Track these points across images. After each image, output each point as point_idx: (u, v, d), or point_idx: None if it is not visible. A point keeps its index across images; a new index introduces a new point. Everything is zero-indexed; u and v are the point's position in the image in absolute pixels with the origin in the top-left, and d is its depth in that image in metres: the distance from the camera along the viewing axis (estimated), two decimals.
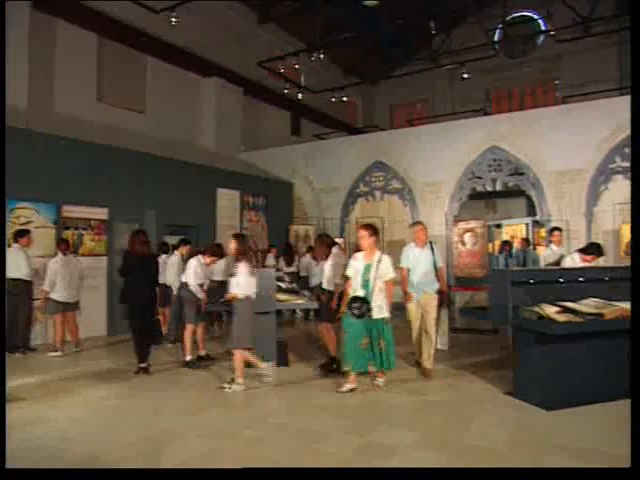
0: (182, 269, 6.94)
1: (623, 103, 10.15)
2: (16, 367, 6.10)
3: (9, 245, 7.02)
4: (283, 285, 7.00)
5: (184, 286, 6.43)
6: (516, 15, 17.34)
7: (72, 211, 8.21)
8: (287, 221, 13.04)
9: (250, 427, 4.14)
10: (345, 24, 15.19)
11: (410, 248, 5.87)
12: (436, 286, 5.75)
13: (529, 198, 11.25)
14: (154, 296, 6.16)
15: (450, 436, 3.94)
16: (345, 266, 5.37)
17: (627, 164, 9.77)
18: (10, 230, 7.19)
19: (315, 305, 6.36)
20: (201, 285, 6.43)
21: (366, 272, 5.03)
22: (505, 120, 11.29)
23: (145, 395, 5.12)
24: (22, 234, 7.09)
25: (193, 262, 6.46)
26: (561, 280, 4.82)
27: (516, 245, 10.42)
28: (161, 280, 6.71)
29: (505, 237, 11.02)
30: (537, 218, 10.72)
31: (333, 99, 15.64)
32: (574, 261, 5.80)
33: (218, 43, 13.54)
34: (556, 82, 16.98)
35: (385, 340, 5.02)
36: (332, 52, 16.02)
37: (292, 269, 10.89)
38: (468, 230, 8.79)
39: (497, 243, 11.44)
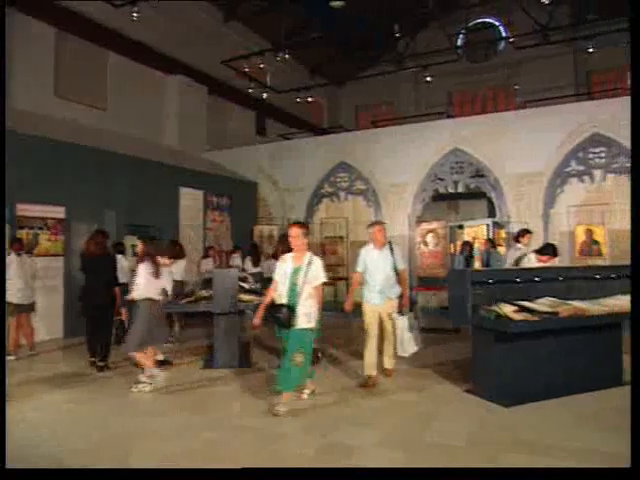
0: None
1: (579, 109, 10.54)
2: None
3: None
4: (246, 285, 6.95)
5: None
6: (478, 21, 17.76)
7: (27, 210, 7.93)
8: (251, 221, 12.95)
9: (210, 429, 4.09)
10: (311, 24, 15.22)
11: (367, 250, 5.45)
12: (397, 290, 5.41)
13: (490, 200, 11.52)
14: (111, 296, 6.18)
15: (411, 435, 3.99)
16: None
17: (582, 168, 10.13)
18: None
19: None
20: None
21: (294, 276, 4.49)
22: (467, 123, 11.54)
23: (101, 399, 5.00)
24: None
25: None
26: (518, 280, 4.95)
27: (479, 246, 10.66)
28: (122, 280, 6.59)
29: (466, 238, 11.24)
30: (497, 219, 10.98)
31: (298, 99, 15.65)
32: (531, 261, 5.96)
33: (183, 41, 13.34)
34: (516, 87, 17.46)
35: (305, 354, 4.47)
36: (298, 52, 16.04)
37: (258, 269, 10.83)
38: (430, 231, 8.93)
39: (459, 244, 11.65)
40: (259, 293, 6.73)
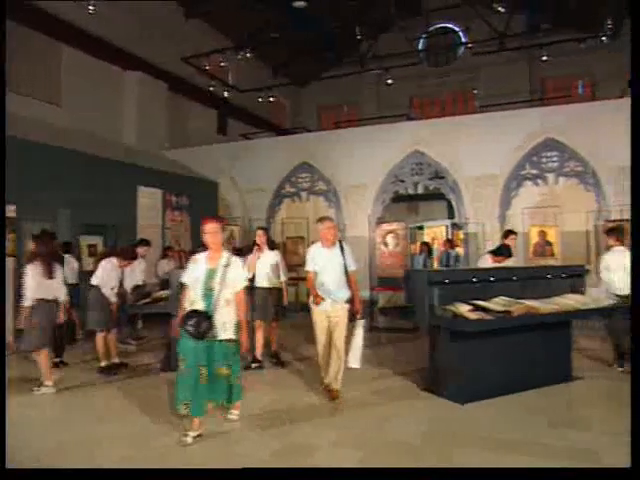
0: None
1: (533, 114, 10.89)
2: None
3: None
4: None
5: (93, 289, 6.11)
6: (439, 26, 18.11)
7: None
8: None
9: (164, 433, 4.02)
10: (274, 24, 15.14)
11: (316, 248, 5.01)
12: (347, 294, 4.88)
13: (449, 201, 11.76)
14: None
15: (368, 433, 4.02)
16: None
17: (535, 171, 10.48)
18: None
19: None
20: (112, 288, 6.16)
21: (209, 279, 3.87)
22: (427, 126, 11.74)
23: (54, 404, 4.84)
24: None
25: (106, 264, 6.16)
26: (475, 280, 5.07)
27: (438, 247, 10.88)
28: (72, 281, 6.45)
29: (426, 239, 11.44)
30: (456, 220, 11.22)
31: (260, 99, 15.57)
32: (485, 262, 6.12)
33: (142, 37, 13.04)
34: (475, 92, 17.89)
35: (232, 369, 3.96)
36: (261, 51, 15.93)
37: None
38: (390, 232, 9.04)
39: (418, 244, 11.86)
40: None
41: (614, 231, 5.97)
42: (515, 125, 10.53)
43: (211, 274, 3.89)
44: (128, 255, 6.45)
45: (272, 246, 6.47)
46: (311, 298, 4.94)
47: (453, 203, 11.21)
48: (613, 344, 5.85)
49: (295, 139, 13.63)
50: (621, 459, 3.39)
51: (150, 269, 9.14)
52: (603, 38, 12.43)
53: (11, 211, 8.09)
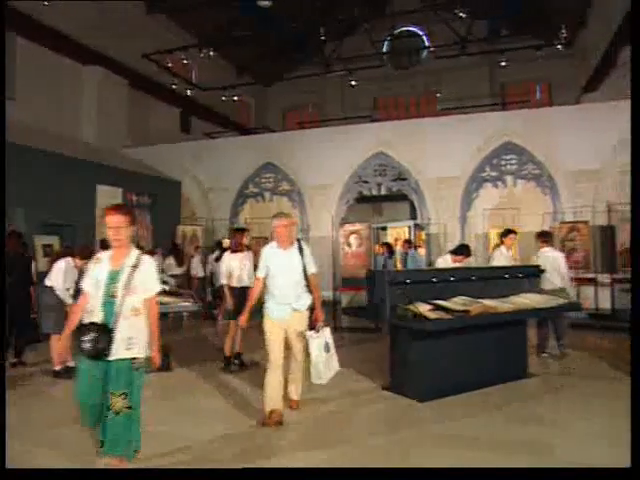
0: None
1: (494, 117, 11.17)
2: None
3: None
4: (167, 287, 6.74)
5: (48, 290, 5.91)
6: (402, 29, 18.34)
7: None
8: (175, 221, 12.58)
9: None
10: (239, 23, 15.02)
11: (271, 250, 4.27)
12: (308, 301, 4.25)
13: (412, 202, 11.93)
14: (28, 296, 6.31)
15: (329, 434, 4.02)
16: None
17: (495, 173, 10.74)
18: None
19: (196, 307, 6.32)
20: (68, 289, 5.96)
21: (111, 283, 3.05)
22: (390, 127, 11.88)
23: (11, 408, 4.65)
24: None
25: (61, 264, 5.96)
26: (434, 280, 5.15)
27: (399, 247, 10.99)
28: None
29: (389, 239, 11.56)
30: (418, 221, 11.39)
31: (224, 98, 15.42)
32: (446, 262, 6.22)
33: (101, 30, 12.68)
34: (437, 95, 18.19)
35: (131, 400, 3.00)
36: (225, 50, 15.79)
37: (183, 269, 10.55)
38: (353, 232, 9.09)
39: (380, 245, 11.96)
40: (180, 294, 6.57)
41: (543, 235, 6.83)
42: (476, 128, 10.77)
43: (113, 277, 3.06)
44: (85, 254, 6.26)
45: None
46: (265, 308, 4.25)
47: (415, 204, 11.38)
48: (551, 333, 6.48)
49: (259, 139, 13.57)
50: (574, 452, 3.52)
51: None
52: (559, 46, 12.85)
53: None
